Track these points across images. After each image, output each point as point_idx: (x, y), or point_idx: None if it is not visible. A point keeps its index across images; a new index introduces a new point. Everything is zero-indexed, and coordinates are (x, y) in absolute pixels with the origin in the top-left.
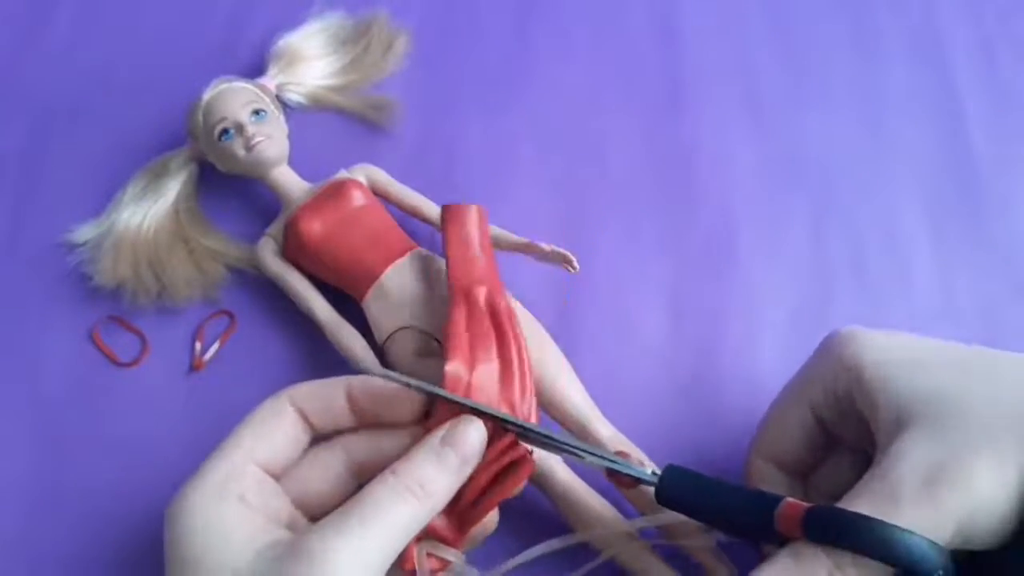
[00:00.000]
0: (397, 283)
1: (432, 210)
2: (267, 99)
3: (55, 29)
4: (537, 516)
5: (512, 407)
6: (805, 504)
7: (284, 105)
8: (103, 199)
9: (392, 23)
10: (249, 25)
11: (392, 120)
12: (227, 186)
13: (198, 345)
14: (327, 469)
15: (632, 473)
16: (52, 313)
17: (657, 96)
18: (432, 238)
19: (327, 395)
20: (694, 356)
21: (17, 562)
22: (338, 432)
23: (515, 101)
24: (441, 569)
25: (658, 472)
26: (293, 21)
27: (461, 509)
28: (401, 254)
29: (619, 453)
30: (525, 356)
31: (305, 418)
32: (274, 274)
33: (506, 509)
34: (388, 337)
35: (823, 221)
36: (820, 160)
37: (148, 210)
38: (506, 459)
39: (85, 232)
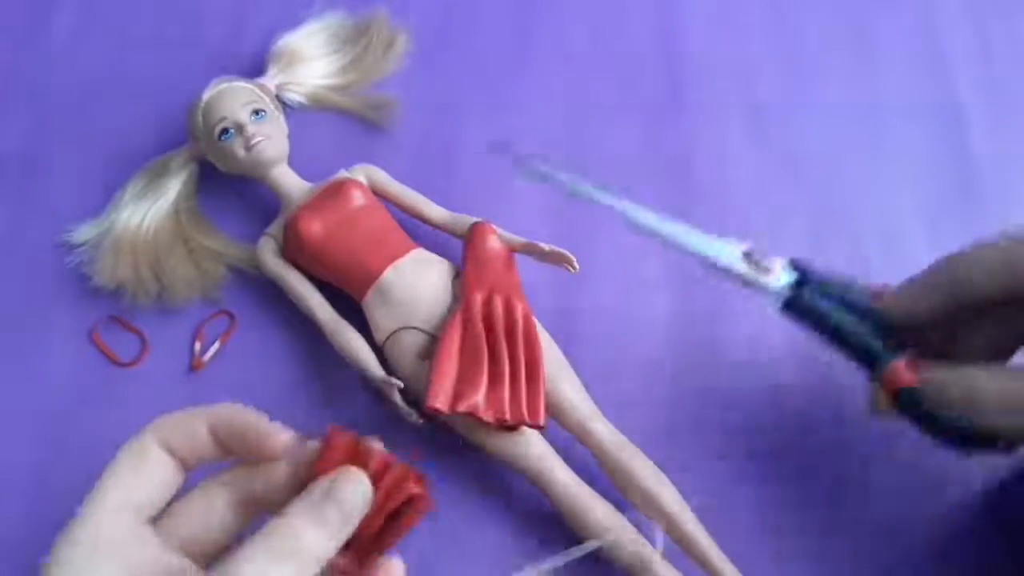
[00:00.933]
0: (397, 283)
1: (432, 210)
2: (267, 99)
3: (55, 29)
4: (538, 517)
5: (501, 407)
6: (911, 378)
7: (284, 105)
8: (103, 199)
9: (392, 23)
10: (249, 25)
11: (392, 120)
12: (227, 186)
13: (198, 345)
14: (209, 508)
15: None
16: (52, 313)
17: (657, 96)
18: (433, 238)
19: (189, 429)
20: (694, 356)
21: (17, 562)
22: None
23: (515, 101)
24: None
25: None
26: (293, 21)
27: (361, 544)
28: (401, 254)
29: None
30: (533, 362)
31: (173, 454)
32: (274, 274)
33: (507, 510)
34: (388, 337)
35: (823, 221)
36: (820, 160)
37: (148, 210)
38: (400, 495)
39: (85, 232)
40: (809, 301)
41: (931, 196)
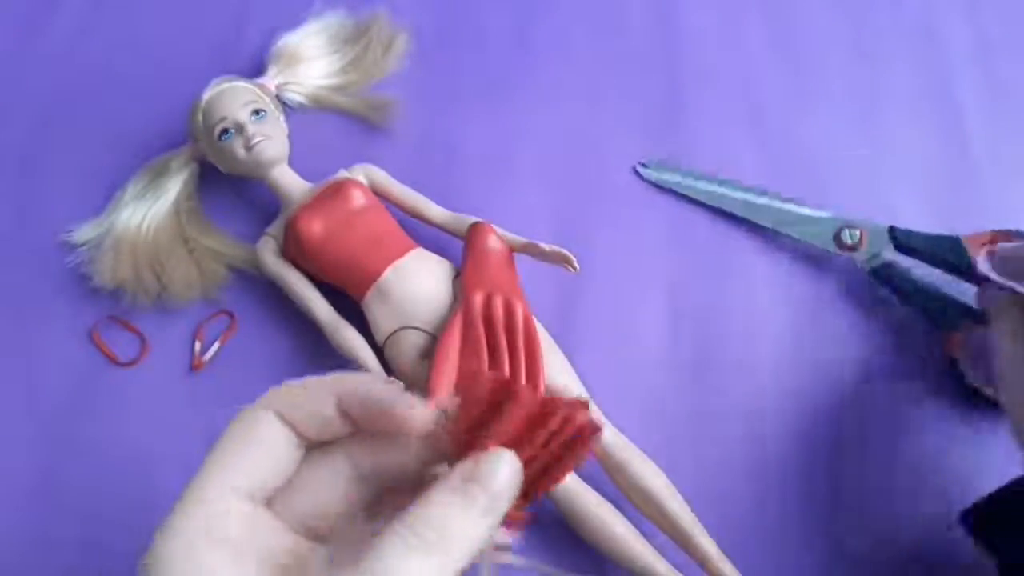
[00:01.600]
0: (397, 283)
1: (432, 210)
2: (267, 99)
3: (55, 29)
4: (539, 517)
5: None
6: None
7: (284, 105)
8: (103, 199)
9: (392, 23)
10: (249, 25)
11: (392, 120)
12: (227, 186)
13: (198, 345)
14: (332, 481)
15: None
16: (52, 313)
17: (657, 96)
18: (433, 238)
19: (313, 401)
20: (694, 355)
21: (18, 561)
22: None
23: (515, 101)
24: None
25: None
26: (293, 21)
27: (525, 486)
28: (401, 254)
29: None
30: (533, 361)
31: (293, 427)
32: (274, 274)
33: None
34: (388, 337)
35: None
36: (820, 160)
37: (148, 210)
38: (567, 430)
39: (85, 232)
40: (894, 274)
41: (931, 196)
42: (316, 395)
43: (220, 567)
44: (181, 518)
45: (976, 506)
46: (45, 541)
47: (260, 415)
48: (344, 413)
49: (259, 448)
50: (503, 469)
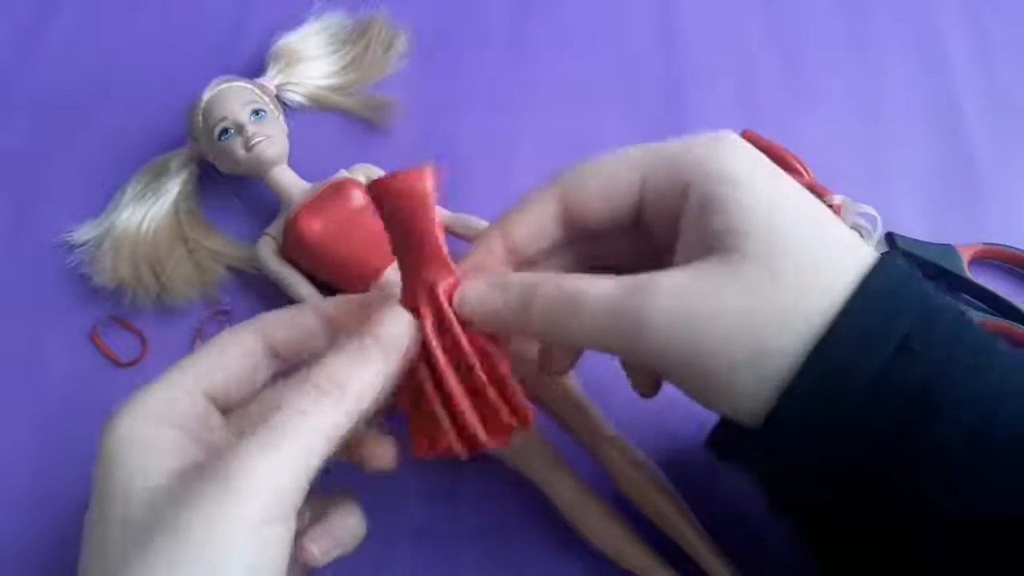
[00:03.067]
0: (397, 283)
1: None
2: (267, 99)
3: (55, 29)
4: (540, 516)
5: (474, 436)
6: None
7: (284, 105)
8: (103, 199)
9: (392, 23)
10: (249, 25)
11: (392, 120)
12: (227, 186)
13: (198, 345)
14: (246, 359)
15: None
16: (52, 313)
17: (657, 96)
18: None
19: (298, 322)
20: None
21: (17, 561)
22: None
23: (515, 101)
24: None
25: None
26: (293, 21)
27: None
28: None
29: None
30: (489, 364)
31: (272, 348)
32: (274, 273)
33: (509, 509)
34: None
35: None
36: (820, 160)
37: (148, 210)
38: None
39: (85, 232)
40: None
41: (931, 196)
42: (301, 314)
43: (161, 440)
44: (146, 398)
45: (715, 430)
46: (45, 541)
47: (245, 330)
48: (329, 330)
49: (234, 357)
50: (397, 321)
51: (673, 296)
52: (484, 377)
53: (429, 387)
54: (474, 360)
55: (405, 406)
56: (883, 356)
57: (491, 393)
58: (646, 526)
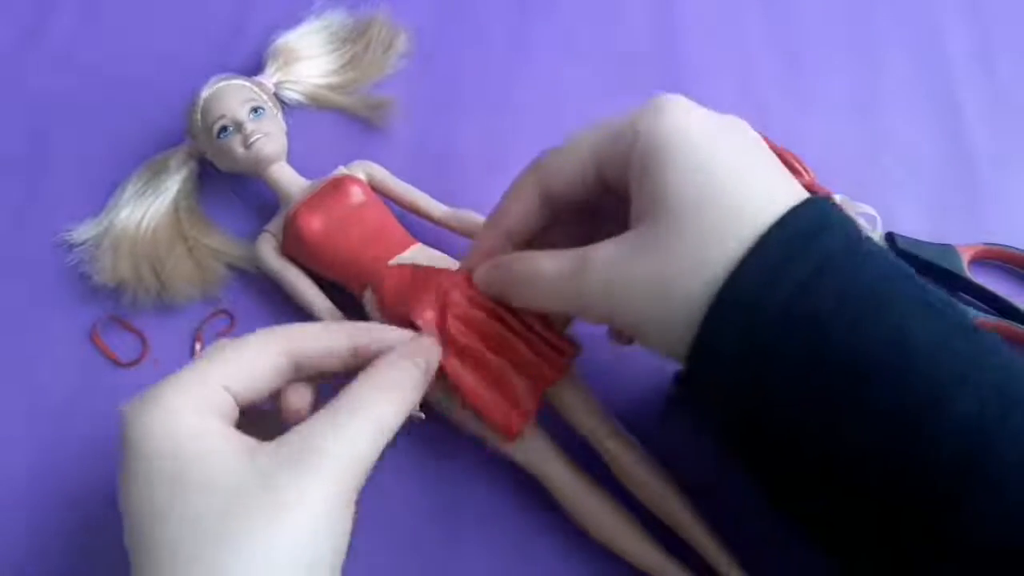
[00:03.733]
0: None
1: (432, 207)
2: (265, 96)
3: (55, 29)
4: (540, 509)
5: (542, 371)
6: None
7: (282, 103)
8: (103, 198)
9: (392, 22)
10: (249, 24)
11: (391, 119)
12: (226, 184)
13: (198, 345)
14: (267, 369)
15: None
16: (52, 313)
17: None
18: (433, 234)
19: (329, 344)
20: None
21: (17, 561)
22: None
23: (515, 101)
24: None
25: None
26: (293, 20)
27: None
28: (402, 250)
29: None
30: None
31: (295, 362)
32: (273, 271)
33: (508, 502)
34: None
35: None
36: (820, 160)
37: (147, 208)
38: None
39: (85, 231)
40: None
41: (931, 196)
42: (334, 342)
43: (219, 428)
44: (184, 383)
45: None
46: (44, 541)
47: (273, 344)
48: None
49: (261, 370)
50: (425, 342)
51: (601, 269)
52: (523, 326)
53: (490, 357)
54: (509, 317)
55: (472, 400)
56: (784, 293)
57: (538, 329)
58: (647, 518)
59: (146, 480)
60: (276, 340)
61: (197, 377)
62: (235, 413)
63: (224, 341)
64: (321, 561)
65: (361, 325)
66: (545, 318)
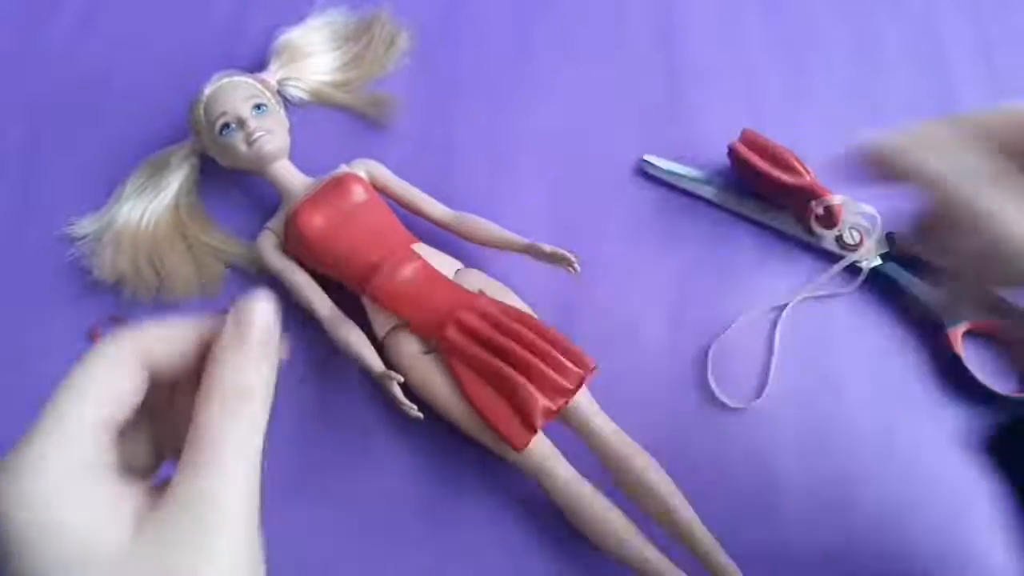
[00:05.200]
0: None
1: (433, 207)
2: (268, 93)
3: (55, 29)
4: (538, 511)
5: (559, 386)
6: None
7: (285, 100)
8: (103, 196)
9: (394, 20)
10: (251, 21)
11: (392, 117)
12: (228, 181)
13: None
14: (122, 380)
15: None
16: (52, 312)
17: (657, 96)
18: (433, 233)
19: (179, 340)
20: (694, 356)
21: None
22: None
23: (515, 99)
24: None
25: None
26: (296, 17)
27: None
28: (401, 249)
29: None
30: (539, 328)
31: (151, 366)
32: (274, 268)
33: (507, 504)
34: (388, 332)
35: None
36: (819, 160)
37: (148, 204)
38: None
39: (86, 226)
40: (890, 275)
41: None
42: (181, 332)
43: (101, 492)
44: (51, 445)
45: (991, 436)
46: None
47: (123, 348)
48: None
49: (118, 380)
50: (262, 306)
51: None
52: (538, 337)
53: (505, 368)
54: (525, 330)
55: (481, 410)
56: None
57: (555, 343)
58: (640, 519)
59: (19, 558)
60: (122, 347)
61: (65, 427)
62: (111, 446)
63: (76, 368)
64: None
65: (206, 317)
66: (559, 336)
